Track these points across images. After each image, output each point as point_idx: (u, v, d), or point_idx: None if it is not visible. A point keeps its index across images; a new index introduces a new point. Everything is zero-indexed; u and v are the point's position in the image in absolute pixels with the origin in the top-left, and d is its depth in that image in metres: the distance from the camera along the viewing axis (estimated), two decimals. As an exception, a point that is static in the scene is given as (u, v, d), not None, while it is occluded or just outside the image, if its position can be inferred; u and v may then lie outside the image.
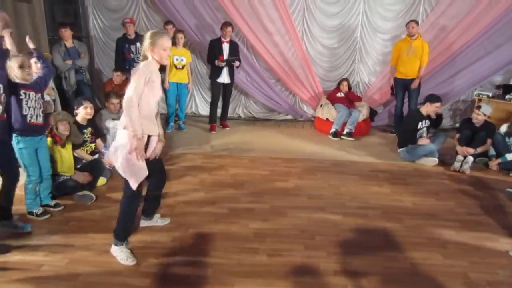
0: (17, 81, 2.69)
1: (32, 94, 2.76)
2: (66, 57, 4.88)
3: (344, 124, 5.32)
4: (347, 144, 5.05)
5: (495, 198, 3.55)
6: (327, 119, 5.53)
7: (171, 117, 5.47)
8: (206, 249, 2.57)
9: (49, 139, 3.21)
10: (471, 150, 4.25)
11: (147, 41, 2.31)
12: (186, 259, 2.45)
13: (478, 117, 4.34)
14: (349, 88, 5.73)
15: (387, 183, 3.79)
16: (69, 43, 4.93)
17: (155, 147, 2.43)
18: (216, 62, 5.15)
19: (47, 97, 3.63)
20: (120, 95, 4.54)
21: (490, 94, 5.48)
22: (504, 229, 2.96)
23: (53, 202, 3.08)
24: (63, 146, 3.25)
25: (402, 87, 5.31)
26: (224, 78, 5.34)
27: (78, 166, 3.45)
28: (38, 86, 2.83)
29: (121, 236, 2.45)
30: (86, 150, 3.69)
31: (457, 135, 4.53)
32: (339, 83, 5.70)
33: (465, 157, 4.22)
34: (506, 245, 2.74)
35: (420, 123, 4.43)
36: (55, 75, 4.71)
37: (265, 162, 4.28)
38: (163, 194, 2.94)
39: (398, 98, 5.40)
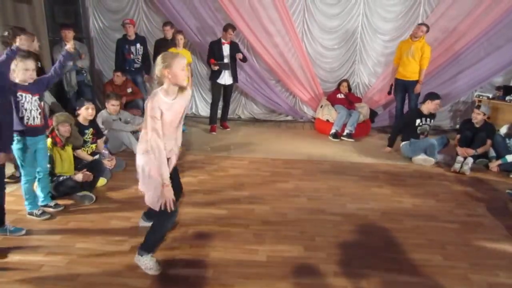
0: (17, 81, 2.69)
1: (29, 96, 2.75)
2: None
3: (344, 125, 5.32)
4: (347, 145, 5.06)
5: (496, 199, 3.55)
6: (327, 120, 5.53)
7: None
8: (206, 250, 2.57)
9: (49, 140, 3.21)
10: (471, 151, 4.25)
11: (159, 65, 2.13)
12: (186, 260, 2.45)
13: (477, 117, 4.36)
14: (349, 89, 5.73)
15: (387, 184, 3.79)
16: (70, 44, 4.93)
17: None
18: (212, 65, 5.19)
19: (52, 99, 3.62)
20: (120, 96, 4.56)
21: (490, 95, 5.49)
22: (505, 230, 2.95)
23: (53, 203, 3.08)
24: (62, 147, 3.25)
25: (401, 88, 5.32)
26: (225, 79, 5.35)
27: (79, 167, 3.45)
28: (36, 88, 2.82)
29: (150, 249, 2.35)
30: (87, 151, 3.69)
31: (457, 136, 4.53)
32: (339, 84, 5.71)
33: (465, 158, 4.23)
34: (506, 246, 2.74)
35: (418, 120, 4.49)
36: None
37: (265, 163, 4.29)
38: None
39: (398, 99, 5.41)
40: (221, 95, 5.51)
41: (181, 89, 2.22)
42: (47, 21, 5.31)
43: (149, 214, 2.77)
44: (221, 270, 2.35)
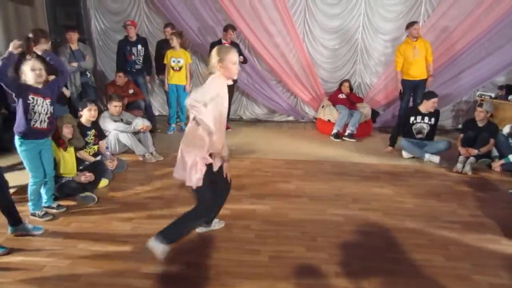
0: (30, 83, 2.73)
1: (40, 99, 2.77)
2: (71, 60, 4.91)
3: (346, 125, 5.31)
4: (348, 145, 5.05)
5: (498, 199, 3.53)
6: (329, 120, 5.53)
7: (172, 118, 5.48)
8: (207, 250, 2.57)
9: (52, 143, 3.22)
10: (473, 151, 4.24)
11: (215, 58, 2.26)
12: (188, 260, 2.45)
13: (480, 114, 4.36)
14: (351, 89, 5.73)
15: (389, 185, 3.78)
16: (74, 45, 4.96)
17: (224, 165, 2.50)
18: None
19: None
20: (122, 97, 4.57)
21: (493, 95, 5.47)
22: (507, 230, 2.94)
23: (55, 204, 3.09)
24: (65, 149, 3.26)
25: (409, 89, 5.29)
26: None
27: (81, 168, 3.46)
28: (48, 91, 2.84)
29: (171, 239, 2.33)
30: (89, 152, 3.71)
31: (460, 136, 4.52)
32: (341, 84, 5.70)
33: (467, 158, 4.21)
34: (509, 247, 2.72)
35: (412, 118, 4.55)
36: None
37: (267, 163, 4.29)
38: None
39: (405, 99, 5.39)
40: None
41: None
42: (48, 23, 5.34)
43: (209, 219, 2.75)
44: (222, 270, 2.36)
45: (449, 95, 5.75)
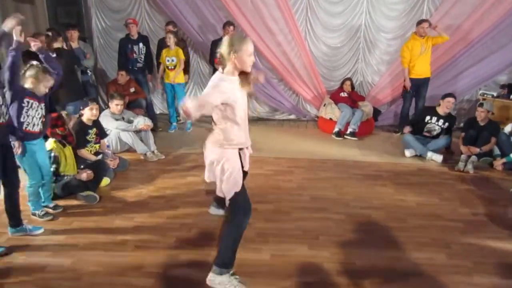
0: (25, 86, 2.71)
1: (35, 103, 2.77)
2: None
3: (348, 123, 5.30)
4: (350, 144, 5.04)
5: (500, 198, 3.52)
6: (330, 118, 5.52)
7: (173, 116, 5.48)
8: (209, 249, 2.57)
9: (53, 141, 3.23)
10: (475, 150, 4.23)
11: (228, 47, 1.99)
12: (190, 259, 2.46)
13: (481, 114, 4.35)
14: (353, 87, 5.71)
15: (391, 183, 3.77)
16: (74, 44, 4.95)
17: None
18: (216, 65, 5.17)
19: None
20: (123, 96, 4.57)
21: (495, 94, 5.44)
22: (509, 229, 2.93)
23: (52, 204, 3.09)
24: (71, 144, 3.27)
25: (414, 88, 5.26)
26: None
27: (82, 167, 3.47)
28: (43, 96, 2.83)
29: (227, 264, 2.09)
30: (90, 151, 3.71)
31: (462, 135, 4.51)
32: (342, 83, 5.68)
33: (469, 156, 4.20)
34: (511, 245, 2.72)
35: (428, 117, 4.55)
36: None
37: (268, 162, 4.28)
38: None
39: (408, 98, 5.36)
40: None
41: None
42: (49, 22, 5.33)
43: (219, 200, 2.53)
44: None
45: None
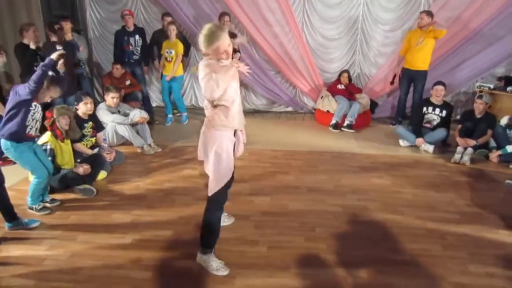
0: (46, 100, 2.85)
1: (39, 106, 2.82)
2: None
3: (345, 116, 5.30)
4: (347, 136, 5.05)
5: (495, 190, 3.56)
6: (328, 111, 5.51)
7: (168, 109, 5.45)
8: (207, 241, 2.58)
9: (49, 133, 3.21)
10: (471, 142, 4.25)
11: (205, 47, 2.10)
12: (188, 252, 2.47)
13: (480, 106, 4.38)
14: (350, 80, 5.69)
15: (387, 175, 3.79)
16: (68, 36, 4.88)
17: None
18: None
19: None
20: (119, 89, 4.53)
21: (492, 86, 5.44)
22: (504, 220, 2.96)
23: (49, 198, 3.08)
24: (62, 140, 3.25)
25: (407, 78, 5.26)
26: None
27: (79, 160, 3.45)
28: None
29: (210, 244, 2.32)
30: (87, 145, 3.69)
31: (458, 127, 4.53)
32: (340, 75, 5.67)
33: (465, 148, 4.23)
34: (506, 236, 2.75)
35: (425, 108, 4.61)
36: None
37: (266, 154, 4.28)
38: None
39: (402, 89, 5.36)
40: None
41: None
42: (43, 13, 5.24)
43: None
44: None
45: (448, 86, 5.67)
